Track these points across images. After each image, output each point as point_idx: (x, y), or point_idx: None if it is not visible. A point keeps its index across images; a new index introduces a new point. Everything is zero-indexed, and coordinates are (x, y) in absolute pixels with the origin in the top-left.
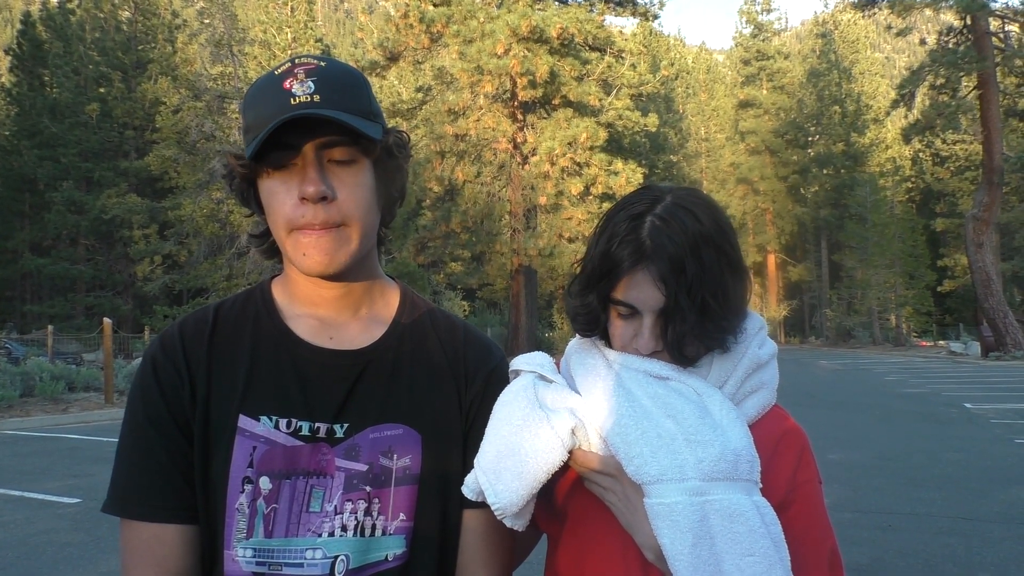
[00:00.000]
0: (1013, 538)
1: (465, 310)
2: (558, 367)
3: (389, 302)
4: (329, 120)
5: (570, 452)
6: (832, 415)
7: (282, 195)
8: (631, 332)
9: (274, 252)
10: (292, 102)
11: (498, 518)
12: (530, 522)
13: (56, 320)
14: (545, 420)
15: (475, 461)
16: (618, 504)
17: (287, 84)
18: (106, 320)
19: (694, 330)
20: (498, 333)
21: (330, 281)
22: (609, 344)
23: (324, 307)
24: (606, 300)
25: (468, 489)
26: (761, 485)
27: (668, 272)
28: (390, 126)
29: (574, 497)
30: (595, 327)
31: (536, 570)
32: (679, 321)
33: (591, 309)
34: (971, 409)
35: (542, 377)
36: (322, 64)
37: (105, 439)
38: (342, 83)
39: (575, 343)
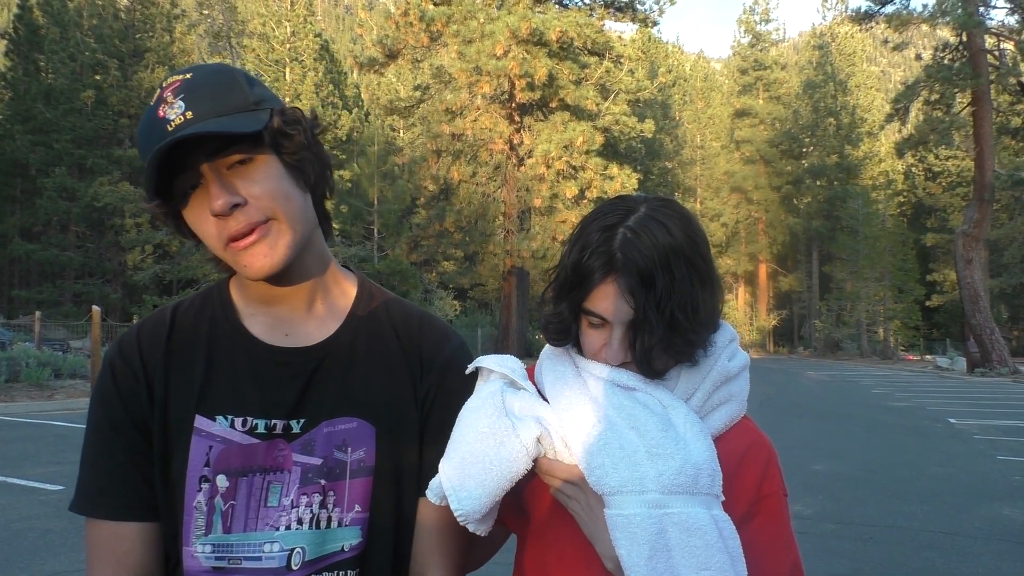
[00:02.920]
0: (992, 554)
1: (456, 309)
2: (532, 373)
3: (346, 293)
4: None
5: (536, 460)
6: (818, 426)
7: (203, 216)
8: (600, 342)
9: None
10: (168, 128)
11: (461, 523)
12: (500, 521)
13: (44, 306)
14: (511, 428)
15: (439, 466)
16: (581, 513)
17: (161, 112)
18: (95, 308)
19: (662, 343)
20: (488, 334)
21: (283, 279)
22: (581, 352)
23: (278, 304)
24: (577, 309)
25: (432, 494)
26: (724, 498)
27: (637, 285)
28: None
29: (542, 501)
30: (566, 336)
31: (506, 570)
32: (647, 334)
33: (562, 318)
34: (955, 424)
35: (511, 383)
36: (188, 76)
37: None
38: (210, 88)
39: (549, 349)
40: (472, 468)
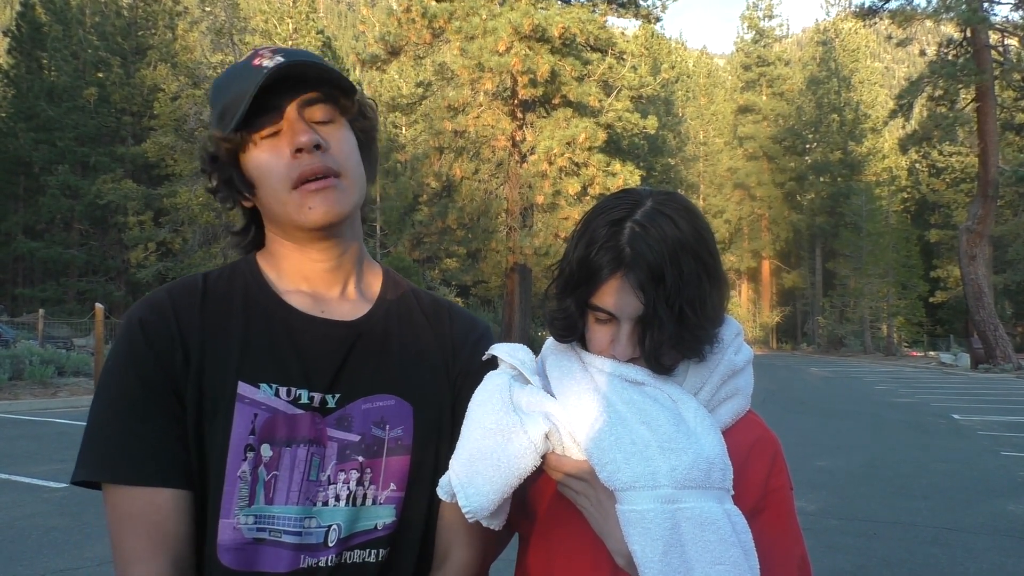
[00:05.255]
0: (996, 550)
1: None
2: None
3: (373, 281)
4: (305, 82)
5: (544, 456)
6: (821, 422)
7: (274, 160)
8: (608, 337)
9: (255, 246)
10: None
11: (470, 520)
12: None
13: (47, 304)
14: (519, 424)
15: (450, 463)
16: (590, 509)
17: (256, 62)
18: (98, 305)
19: (671, 339)
20: (491, 331)
21: (328, 240)
22: (586, 347)
23: (314, 282)
24: (584, 305)
25: (442, 490)
26: (733, 492)
27: (647, 280)
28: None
29: (547, 499)
30: (572, 333)
31: (507, 568)
32: (656, 330)
33: (568, 314)
34: (959, 420)
35: (519, 376)
36: (288, 47)
37: None
38: (310, 57)
39: (552, 342)
40: (480, 464)
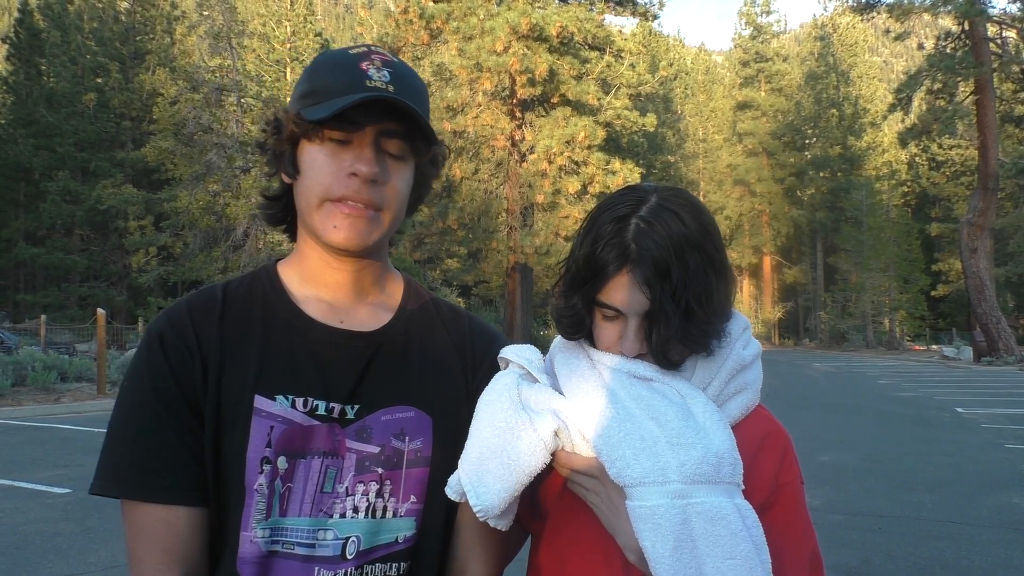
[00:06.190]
0: (1001, 542)
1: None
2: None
3: (394, 290)
4: (396, 110)
5: (553, 454)
6: (824, 417)
7: (327, 166)
8: (615, 334)
9: (280, 220)
10: (368, 83)
11: (480, 519)
12: (515, 520)
13: (49, 310)
14: (528, 423)
15: (459, 462)
16: (600, 506)
17: (364, 65)
18: (100, 310)
19: (679, 334)
20: None
21: (349, 258)
22: (594, 344)
23: (334, 290)
24: (591, 302)
25: (451, 490)
26: (743, 487)
27: (653, 276)
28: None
29: (558, 497)
30: (580, 330)
31: (519, 567)
32: (664, 325)
33: (576, 311)
34: (962, 414)
35: (527, 375)
36: (395, 60)
37: (97, 430)
38: (414, 86)
39: (560, 340)
40: (490, 463)
